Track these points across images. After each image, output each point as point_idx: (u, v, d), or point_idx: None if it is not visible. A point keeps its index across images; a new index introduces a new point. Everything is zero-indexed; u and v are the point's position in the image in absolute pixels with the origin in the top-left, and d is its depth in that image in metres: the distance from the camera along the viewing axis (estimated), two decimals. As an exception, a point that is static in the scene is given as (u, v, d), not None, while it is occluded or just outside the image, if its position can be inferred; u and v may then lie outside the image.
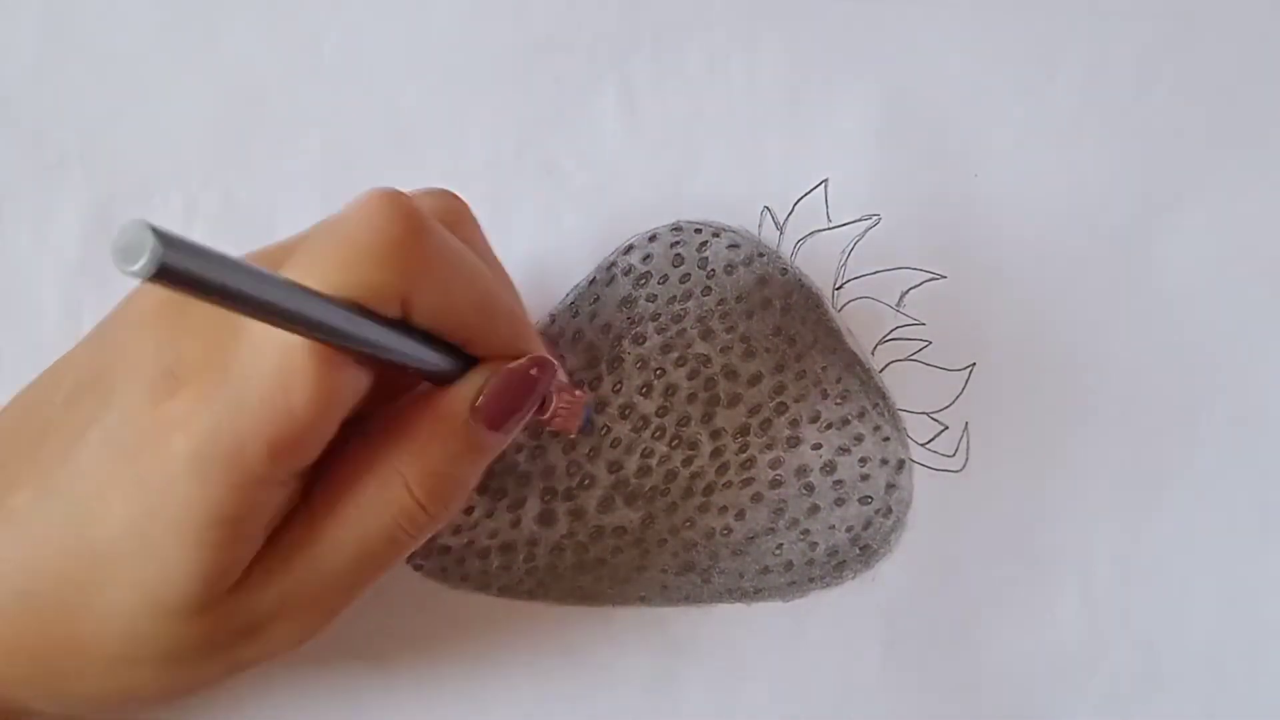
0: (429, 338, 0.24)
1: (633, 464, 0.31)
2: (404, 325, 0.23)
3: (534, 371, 0.25)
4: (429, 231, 0.22)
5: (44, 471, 0.23)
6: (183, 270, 0.17)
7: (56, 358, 0.26)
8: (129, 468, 0.22)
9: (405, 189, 0.23)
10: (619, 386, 0.31)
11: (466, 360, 0.25)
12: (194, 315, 0.23)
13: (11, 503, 0.24)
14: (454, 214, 0.26)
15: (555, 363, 0.26)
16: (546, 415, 0.27)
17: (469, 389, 0.24)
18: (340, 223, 0.22)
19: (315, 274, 0.21)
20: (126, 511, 0.22)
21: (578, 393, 0.28)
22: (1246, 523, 0.32)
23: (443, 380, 0.24)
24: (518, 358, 0.25)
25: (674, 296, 0.31)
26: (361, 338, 0.21)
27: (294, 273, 0.21)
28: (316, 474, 0.24)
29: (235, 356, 0.22)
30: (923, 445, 0.32)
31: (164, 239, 0.16)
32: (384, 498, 0.24)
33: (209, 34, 0.32)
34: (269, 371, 0.21)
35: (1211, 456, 0.32)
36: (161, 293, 0.23)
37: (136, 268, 0.16)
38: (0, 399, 0.26)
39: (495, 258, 0.27)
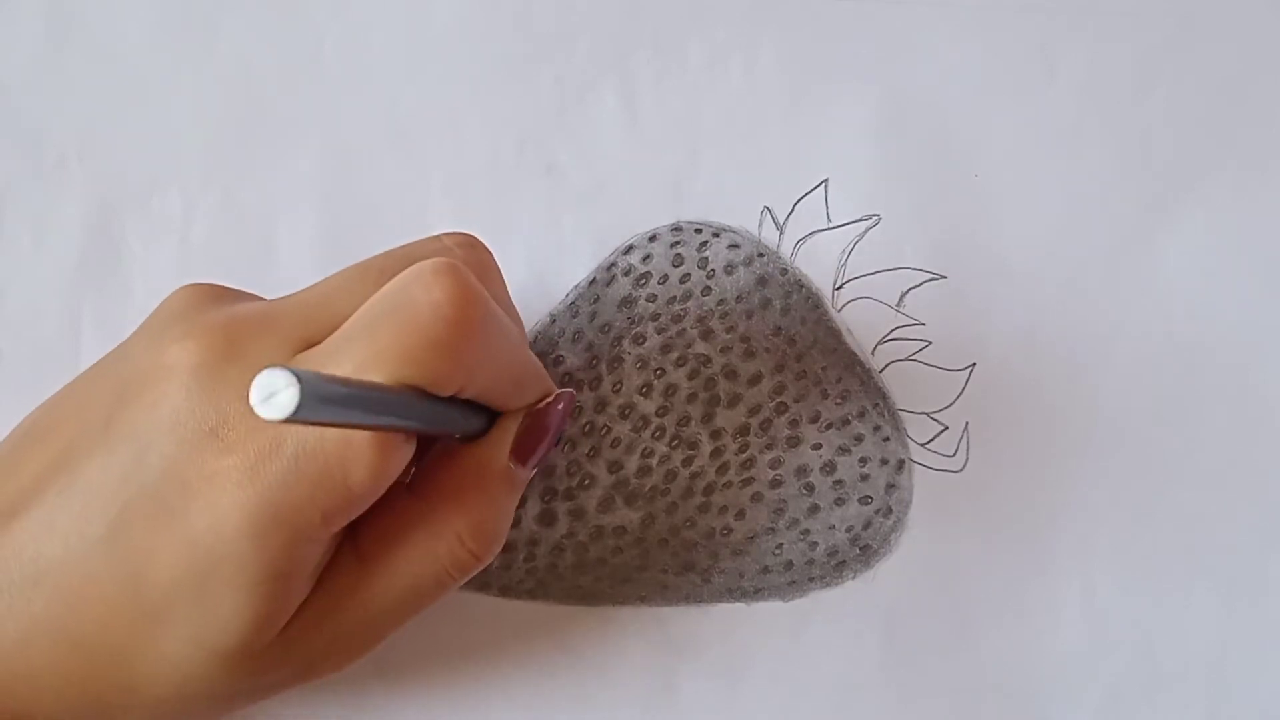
0: (469, 404, 0.25)
1: (633, 464, 0.31)
2: (454, 401, 0.24)
3: (560, 406, 0.27)
4: (489, 318, 0.23)
5: (82, 519, 0.23)
6: (313, 417, 0.18)
7: (56, 358, 0.26)
8: (176, 526, 0.22)
9: (435, 227, 0.24)
10: (619, 386, 0.31)
11: (492, 413, 0.26)
12: (235, 375, 0.23)
13: (45, 546, 0.24)
14: (482, 266, 0.27)
15: (573, 391, 0.28)
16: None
17: (505, 438, 0.26)
18: (403, 306, 0.22)
19: (381, 364, 0.22)
20: (176, 568, 0.23)
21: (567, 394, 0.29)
22: (1247, 523, 0.32)
23: (466, 435, 0.26)
24: (538, 401, 0.27)
25: (674, 296, 0.31)
26: (419, 420, 0.22)
27: (356, 356, 0.22)
28: (362, 521, 0.25)
29: (290, 429, 0.22)
30: (923, 445, 0.32)
31: (306, 388, 0.17)
32: (437, 550, 0.25)
33: (209, 34, 0.32)
34: (331, 451, 0.22)
35: (1212, 456, 0.32)
36: (196, 353, 0.23)
37: (276, 416, 0.17)
38: (0, 399, 0.26)
39: (511, 303, 0.28)
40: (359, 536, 0.25)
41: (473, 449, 0.26)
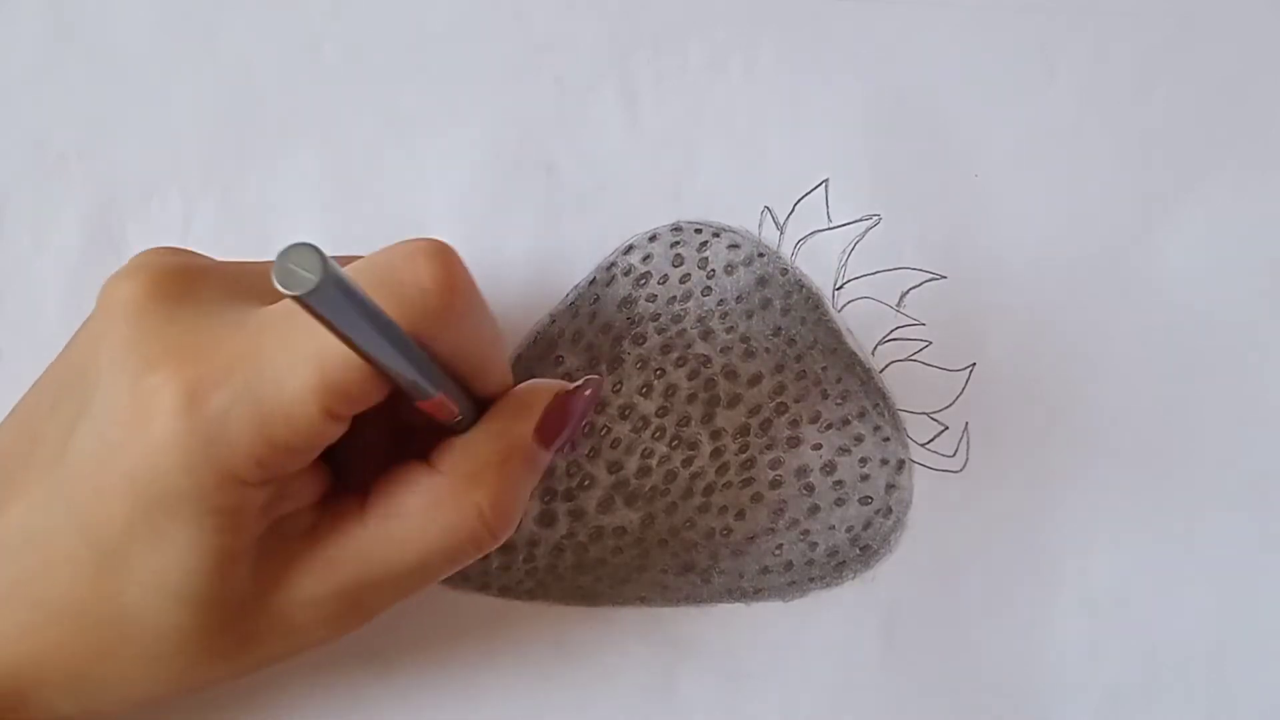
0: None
1: (633, 464, 0.31)
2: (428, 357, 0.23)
3: (589, 392, 0.27)
4: (469, 283, 0.23)
5: (39, 479, 0.23)
6: (331, 302, 0.18)
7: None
8: (118, 459, 0.22)
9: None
10: (619, 387, 0.31)
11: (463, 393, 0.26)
12: (182, 311, 0.23)
13: (11, 516, 0.24)
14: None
15: (600, 377, 0.29)
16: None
17: (531, 416, 0.26)
18: (391, 280, 0.22)
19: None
20: (123, 509, 0.22)
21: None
22: (1247, 523, 0.32)
23: (427, 403, 0.25)
24: (499, 394, 0.26)
25: (674, 297, 0.31)
26: (408, 361, 0.22)
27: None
28: (373, 487, 0.25)
29: (241, 360, 0.22)
30: (923, 445, 0.32)
31: (329, 270, 0.17)
32: (456, 522, 0.24)
33: (209, 34, 0.32)
34: (270, 396, 0.21)
35: (1212, 456, 0.32)
36: (142, 287, 0.23)
37: (295, 289, 0.17)
38: (0, 399, 0.26)
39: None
40: (369, 501, 0.25)
41: (498, 426, 0.25)
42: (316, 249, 0.17)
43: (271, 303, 0.23)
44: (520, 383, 0.27)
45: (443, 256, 0.22)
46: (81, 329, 0.25)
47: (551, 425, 0.26)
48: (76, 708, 0.25)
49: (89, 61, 0.32)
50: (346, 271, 0.18)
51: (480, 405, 0.26)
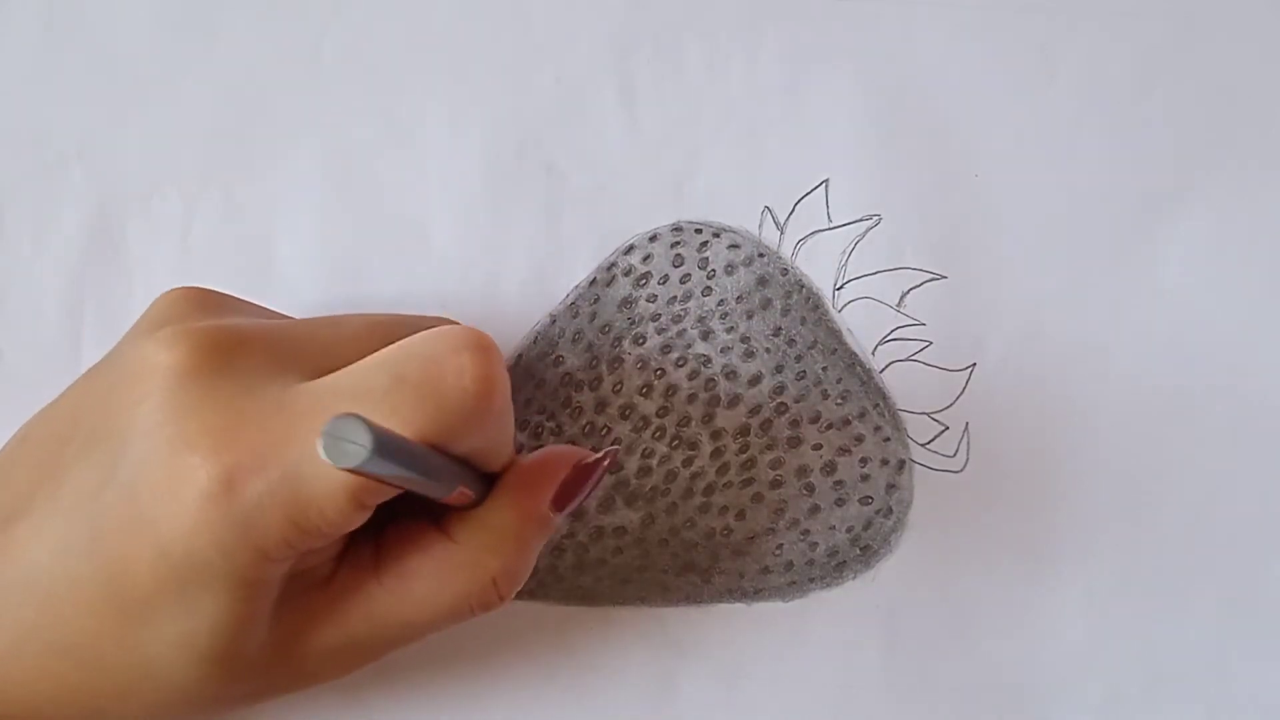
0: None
1: (633, 464, 0.31)
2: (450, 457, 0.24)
3: (607, 462, 0.27)
4: (504, 393, 0.23)
5: (63, 522, 0.23)
6: (378, 466, 0.18)
7: (56, 359, 0.26)
8: (148, 532, 0.22)
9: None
10: (619, 387, 0.31)
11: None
12: (220, 387, 0.23)
13: (28, 554, 0.24)
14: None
15: (618, 449, 0.30)
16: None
17: (549, 486, 0.26)
18: (432, 375, 0.22)
19: (402, 420, 0.22)
20: (153, 575, 0.22)
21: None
22: (1247, 523, 0.32)
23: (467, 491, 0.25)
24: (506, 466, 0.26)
25: (674, 297, 0.31)
26: (439, 476, 0.22)
27: (383, 408, 0.22)
28: (387, 551, 0.25)
29: (279, 448, 0.22)
30: (923, 445, 0.32)
31: (377, 440, 0.17)
32: (469, 590, 0.25)
33: (209, 34, 0.32)
34: (304, 488, 0.22)
35: (1212, 456, 0.32)
36: (182, 360, 0.23)
37: (345, 463, 0.17)
38: (0, 399, 0.26)
39: None
40: (383, 564, 0.25)
41: (513, 498, 0.26)
42: (363, 421, 0.17)
43: (310, 373, 0.23)
44: (516, 376, 0.27)
45: (485, 355, 0.23)
46: (107, 380, 0.25)
47: (568, 494, 0.26)
48: None
49: (89, 61, 0.32)
50: (392, 431, 0.19)
51: (488, 476, 0.26)
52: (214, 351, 0.23)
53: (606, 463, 0.27)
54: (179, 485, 0.22)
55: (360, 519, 0.23)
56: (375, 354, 0.23)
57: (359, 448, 0.17)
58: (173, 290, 0.26)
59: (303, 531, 0.22)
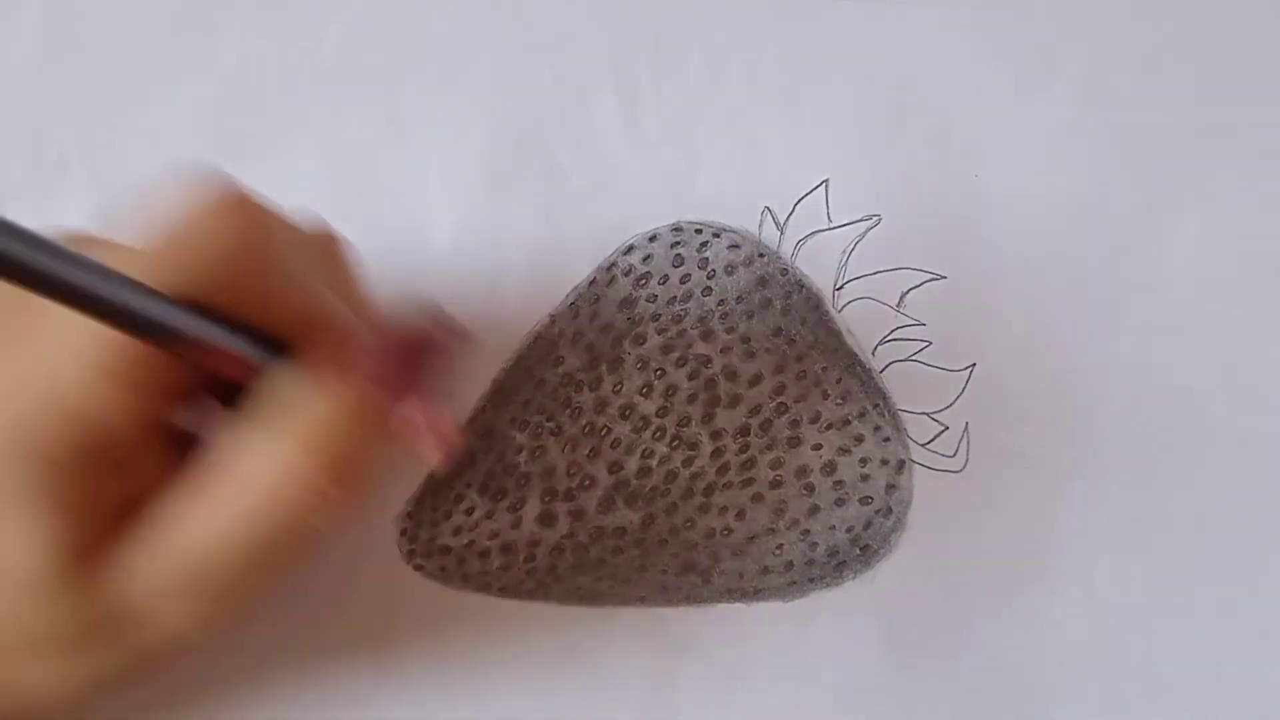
0: (243, 329, 0.23)
1: (633, 465, 0.31)
2: (218, 318, 0.23)
3: (431, 338, 0.24)
4: (263, 232, 0.23)
5: None
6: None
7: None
8: None
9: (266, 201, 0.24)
10: (619, 387, 0.31)
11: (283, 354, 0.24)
12: None
13: None
14: (323, 250, 0.26)
15: (448, 326, 0.24)
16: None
17: (368, 359, 0.23)
18: (180, 220, 0.22)
19: (146, 267, 0.21)
20: None
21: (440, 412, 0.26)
22: (1247, 523, 0.32)
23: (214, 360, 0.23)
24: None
25: (674, 297, 0.31)
26: (175, 330, 0.21)
27: (126, 263, 0.21)
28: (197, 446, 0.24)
29: (26, 336, 0.22)
30: (923, 445, 0.32)
31: None
32: (267, 481, 0.23)
33: (209, 34, 0.32)
34: (71, 383, 0.21)
35: (1211, 456, 0.32)
36: None
37: None
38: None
39: (364, 298, 0.27)
40: (189, 470, 0.23)
41: (317, 368, 0.23)
42: None
43: None
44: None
45: (232, 207, 0.22)
46: None
47: (392, 370, 0.23)
48: None
49: (89, 61, 0.32)
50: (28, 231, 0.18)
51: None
52: None
53: (425, 339, 0.23)
54: None
55: (134, 402, 0.22)
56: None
57: None
58: None
59: (74, 426, 0.22)
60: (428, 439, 0.24)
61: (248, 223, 0.23)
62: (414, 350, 0.24)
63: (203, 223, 0.22)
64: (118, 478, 0.23)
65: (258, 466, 0.23)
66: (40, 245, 0.19)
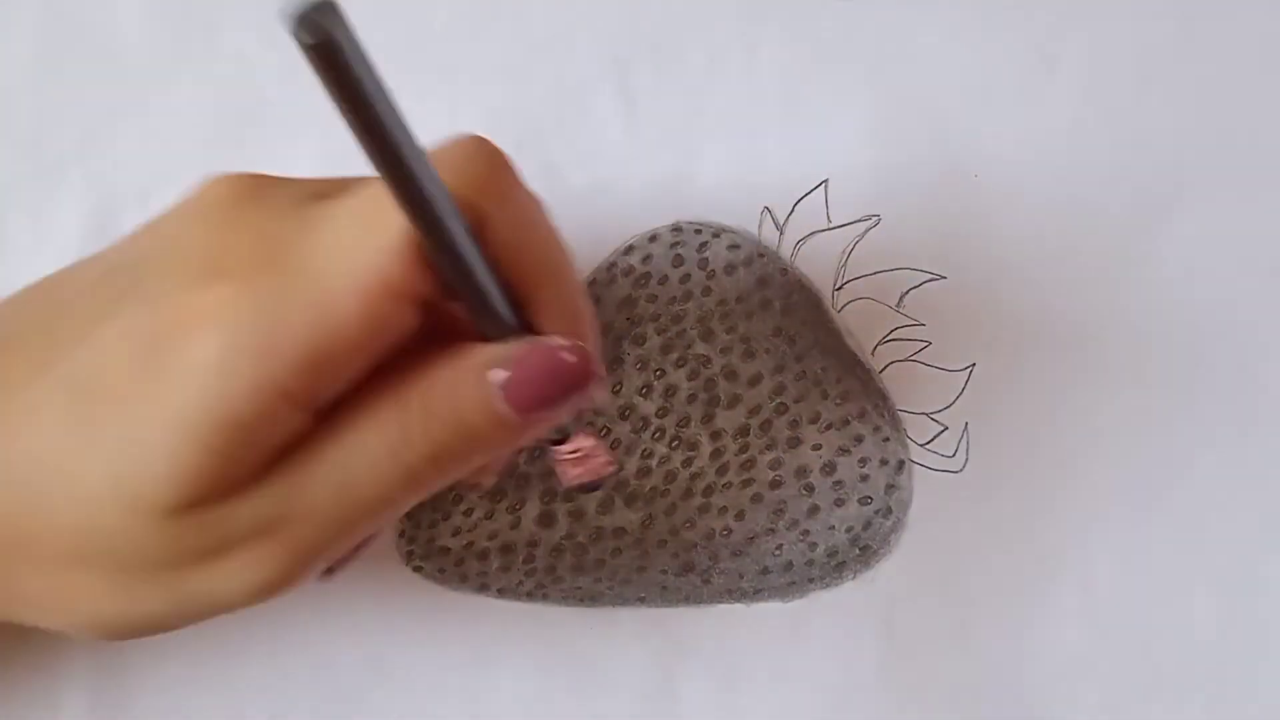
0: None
1: (632, 465, 0.31)
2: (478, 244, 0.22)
3: (567, 355, 0.22)
4: (513, 171, 0.22)
5: (53, 349, 0.22)
6: (342, 48, 0.17)
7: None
8: (146, 358, 0.21)
9: None
10: (619, 387, 0.31)
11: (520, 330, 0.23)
12: (249, 214, 0.22)
13: (11, 376, 0.22)
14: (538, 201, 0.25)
15: (597, 364, 0.23)
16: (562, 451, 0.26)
17: (498, 350, 0.22)
18: (439, 152, 0.22)
19: None
20: (130, 402, 0.21)
21: (601, 451, 0.26)
22: (1246, 522, 0.32)
23: (491, 338, 0.23)
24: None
25: (674, 297, 0.31)
26: (445, 228, 0.20)
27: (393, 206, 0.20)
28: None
29: (295, 252, 0.21)
30: (922, 445, 0.32)
31: (344, 22, 0.16)
32: (384, 436, 0.22)
33: (208, 34, 0.32)
34: (325, 290, 0.20)
35: (1211, 456, 0.32)
36: (217, 190, 0.22)
37: (310, 37, 0.16)
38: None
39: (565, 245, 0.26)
40: (329, 418, 0.22)
41: (470, 348, 0.22)
42: (335, 5, 0.16)
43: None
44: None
45: (483, 140, 0.22)
46: (146, 224, 0.24)
47: (524, 379, 0.22)
48: (13, 589, 0.23)
49: (89, 62, 0.32)
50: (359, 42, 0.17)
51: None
52: (248, 183, 0.23)
53: (567, 356, 0.22)
54: (196, 306, 0.21)
55: (389, 317, 0.21)
56: None
57: (322, 24, 0.16)
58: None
59: (322, 338, 0.20)
60: (579, 469, 0.25)
61: (496, 149, 0.22)
62: (561, 373, 0.22)
63: (457, 142, 0.22)
64: (288, 422, 0.21)
65: (370, 443, 0.22)
66: (404, 127, 0.19)
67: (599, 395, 0.23)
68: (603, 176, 0.32)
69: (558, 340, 0.22)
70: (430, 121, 0.32)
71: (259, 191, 0.23)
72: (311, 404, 0.21)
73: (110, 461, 0.21)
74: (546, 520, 0.31)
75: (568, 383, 0.22)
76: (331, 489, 0.22)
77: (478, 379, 0.22)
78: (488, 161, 0.22)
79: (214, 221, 0.22)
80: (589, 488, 0.28)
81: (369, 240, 0.21)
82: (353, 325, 0.21)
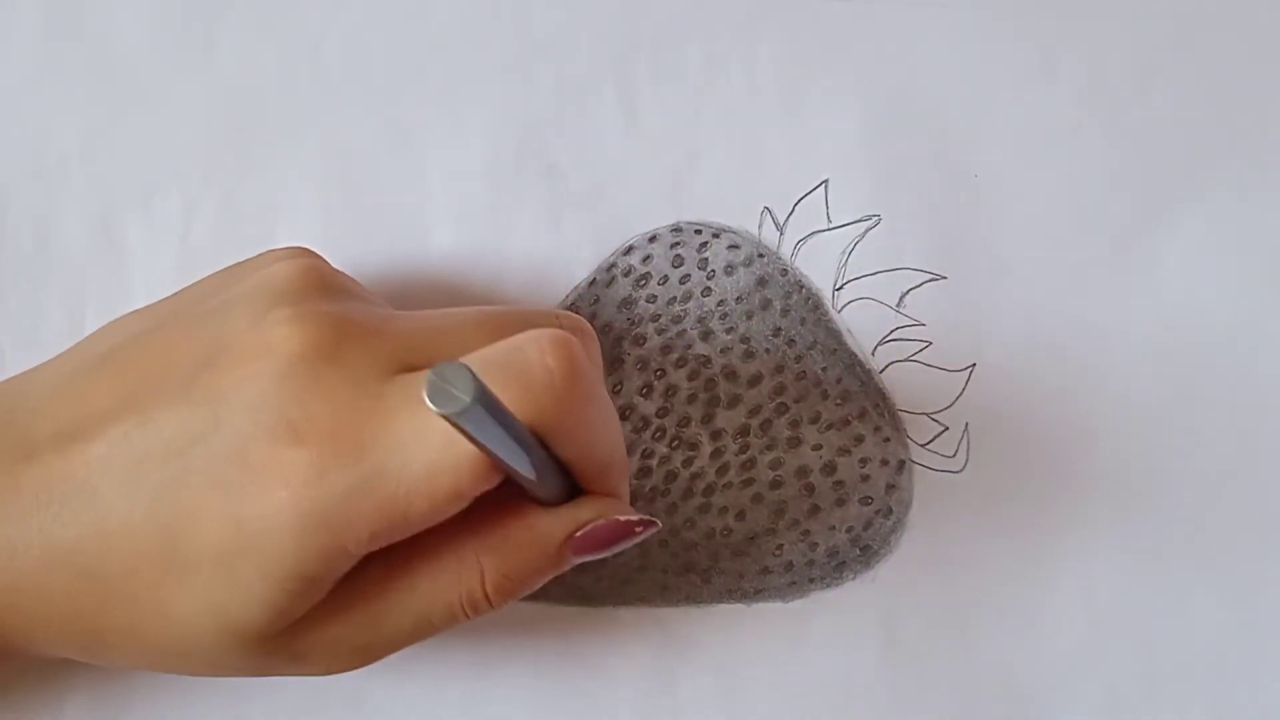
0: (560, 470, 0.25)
1: (633, 465, 0.31)
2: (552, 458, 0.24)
3: (639, 530, 0.26)
4: (595, 392, 0.24)
5: (138, 460, 0.24)
6: (478, 421, 0.19)
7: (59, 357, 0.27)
8: (229, 499, 0.23)
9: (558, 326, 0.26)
10: (619, 387, 0.31)
11: (566, 484, 0.26)
12: (329, 376, 0.23)
13: (96, 475, 0.24)
14: (593, 351, 0.28)
15: (659, 523, 0.27)
16: None
17: (574, 520, 0.25)
18: (518, 363, 0.23)
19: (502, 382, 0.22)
20: (215, 542, 0.23)
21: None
22: (1246, 522, 0.32)
23: (539, 498, 0.25)
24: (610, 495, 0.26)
25: (674, 297, 0.31)
26: (529, 460, 0.23)
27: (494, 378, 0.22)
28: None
29: (373, 440, 0.22)
30: (923, 446, 0.32)
31: (480, 392, 0.18)
32: (458, 580, 0.25)
33: (209, 34, 0.32)
34: (402, 478, 0.22)
35: (1211, 456, 0.32)
36: (301, 342, 0.23)
37: (448, 409, 0.18)
38: (1, 400, 0.26)
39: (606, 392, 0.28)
40: (393, 558, 0.25)
41: (540, 516, 0.25)
42: (469, 369, 0.18)
43: (416, 367, 0.24)
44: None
45: (567, 344, 0.23)
46: (227, 339, 0.25)
47: (591, 540, 0.26)
48: (83, 659, 0.26)
49: (89, 61, 0.32)
50: (491, 391, 0.19)
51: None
52: (328, 340, 0.24)
53: (639, 530, 0.26)
54: (274, 467, 0.22)
55: (447, 515, 0.23)
56: (471, 355, 0.23)
57: (461, 395, 0.18)
58: (297, 259, 0.26)
59: (391, 523, 0.22)
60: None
61: (579, 366, 0.23)
62: (616, 535, 0.26)
63: (543, 362, 0.23)
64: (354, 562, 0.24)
65: (452, 581, 0.25)
66: (508, 422, 0.21)
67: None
68: (603, 177, 0.32)
69: (626, 514, 0.26)
70: (431, 122, 0.32)
71: (341, 348, 0.24)
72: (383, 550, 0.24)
73: (206, 595, 0.23)
74: (547, 520, 0.31)
75: (625, 539, 0.26)
76: (409, 625, 0.25)
77: (548, 549, 0.25)
78: (567, 388, 0.23)
79: (296, 376, 0.23)
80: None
81: (447, 455, 0.22)
82: (417, 518, 0.23)
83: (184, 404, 0.24)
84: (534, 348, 0.23)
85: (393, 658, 0.30)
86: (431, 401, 0.18)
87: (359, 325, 0.24)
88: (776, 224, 0.32)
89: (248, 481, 0.23)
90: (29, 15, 0.32)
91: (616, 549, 0.26)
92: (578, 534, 0.25)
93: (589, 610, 0.31)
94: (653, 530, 0.27)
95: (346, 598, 0.25)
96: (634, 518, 0.26)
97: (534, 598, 0.31)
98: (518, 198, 0.32)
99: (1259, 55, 0.33)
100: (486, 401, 0.19)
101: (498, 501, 0.25)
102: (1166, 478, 0.32)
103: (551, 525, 0.25)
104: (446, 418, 0.18)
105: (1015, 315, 0.32)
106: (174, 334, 0.26)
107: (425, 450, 0.22)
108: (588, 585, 0.31)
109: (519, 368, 0.23)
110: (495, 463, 0.22)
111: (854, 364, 0.32)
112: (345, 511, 0.22)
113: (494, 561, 0.25)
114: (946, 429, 0.32)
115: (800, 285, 0.32)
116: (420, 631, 0.25)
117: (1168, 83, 0.33)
